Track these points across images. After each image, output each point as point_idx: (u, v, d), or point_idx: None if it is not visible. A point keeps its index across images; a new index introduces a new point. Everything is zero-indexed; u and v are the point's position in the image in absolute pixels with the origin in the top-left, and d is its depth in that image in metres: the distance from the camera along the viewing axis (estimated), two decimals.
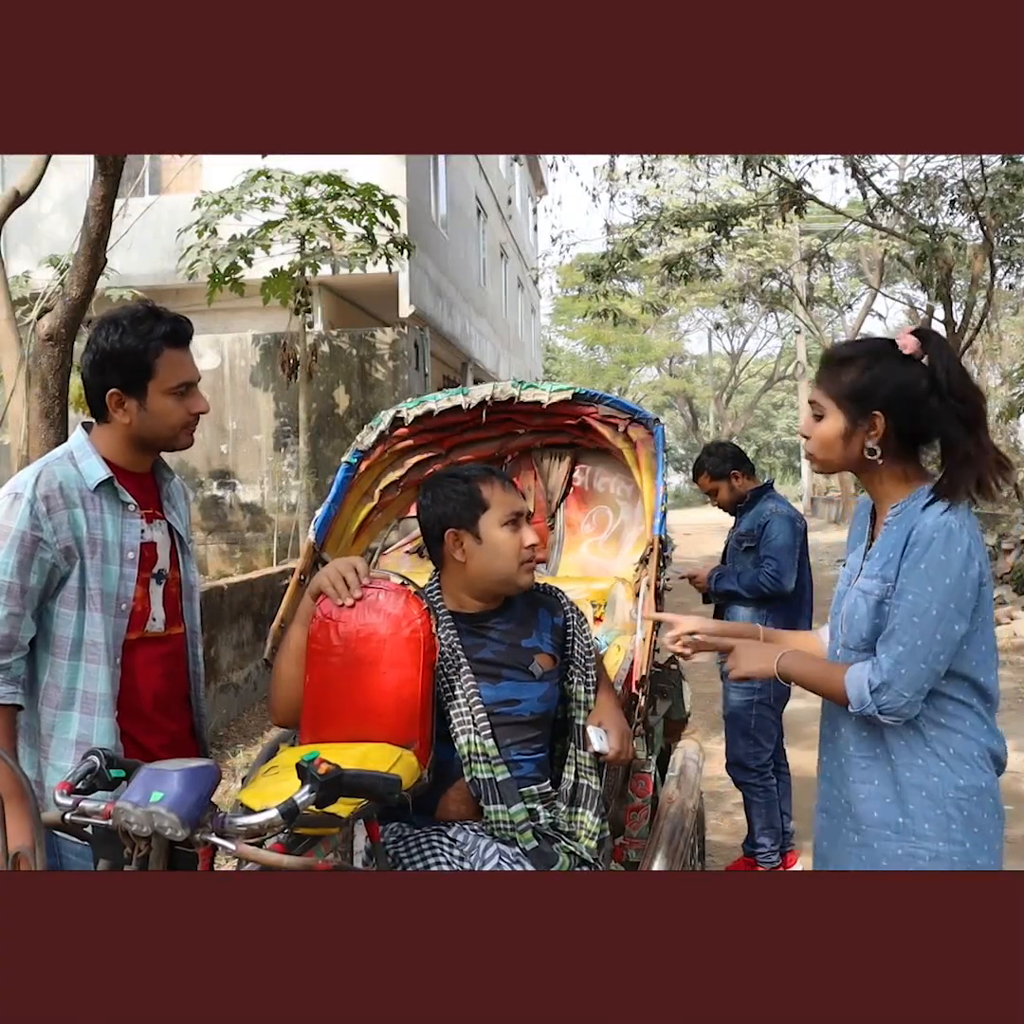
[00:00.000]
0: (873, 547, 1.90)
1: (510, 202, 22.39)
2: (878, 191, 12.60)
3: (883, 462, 1.86)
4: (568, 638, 2.24)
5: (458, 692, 2.07)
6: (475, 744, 2.04)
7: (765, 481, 4.41)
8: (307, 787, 1.51)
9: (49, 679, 2.05)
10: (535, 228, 28.97)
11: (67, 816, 1.55)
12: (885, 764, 1.84)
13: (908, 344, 1.82)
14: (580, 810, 2.12)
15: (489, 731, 2.05)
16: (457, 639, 2.11)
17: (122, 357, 2.07)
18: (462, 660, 2.09)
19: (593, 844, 2.09)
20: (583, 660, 2.23)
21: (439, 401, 2.92)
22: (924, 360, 1.82)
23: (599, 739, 2.14)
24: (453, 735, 2.05)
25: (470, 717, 2.05)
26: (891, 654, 1.77)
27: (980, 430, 1.82)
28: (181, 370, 2.11)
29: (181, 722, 2.24)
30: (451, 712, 2.06)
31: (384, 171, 11.33)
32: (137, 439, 2.14)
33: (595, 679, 2.24)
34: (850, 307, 28.17)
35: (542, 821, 2.06)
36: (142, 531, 2.14)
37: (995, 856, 1.82)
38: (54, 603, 2.04)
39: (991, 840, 1.82)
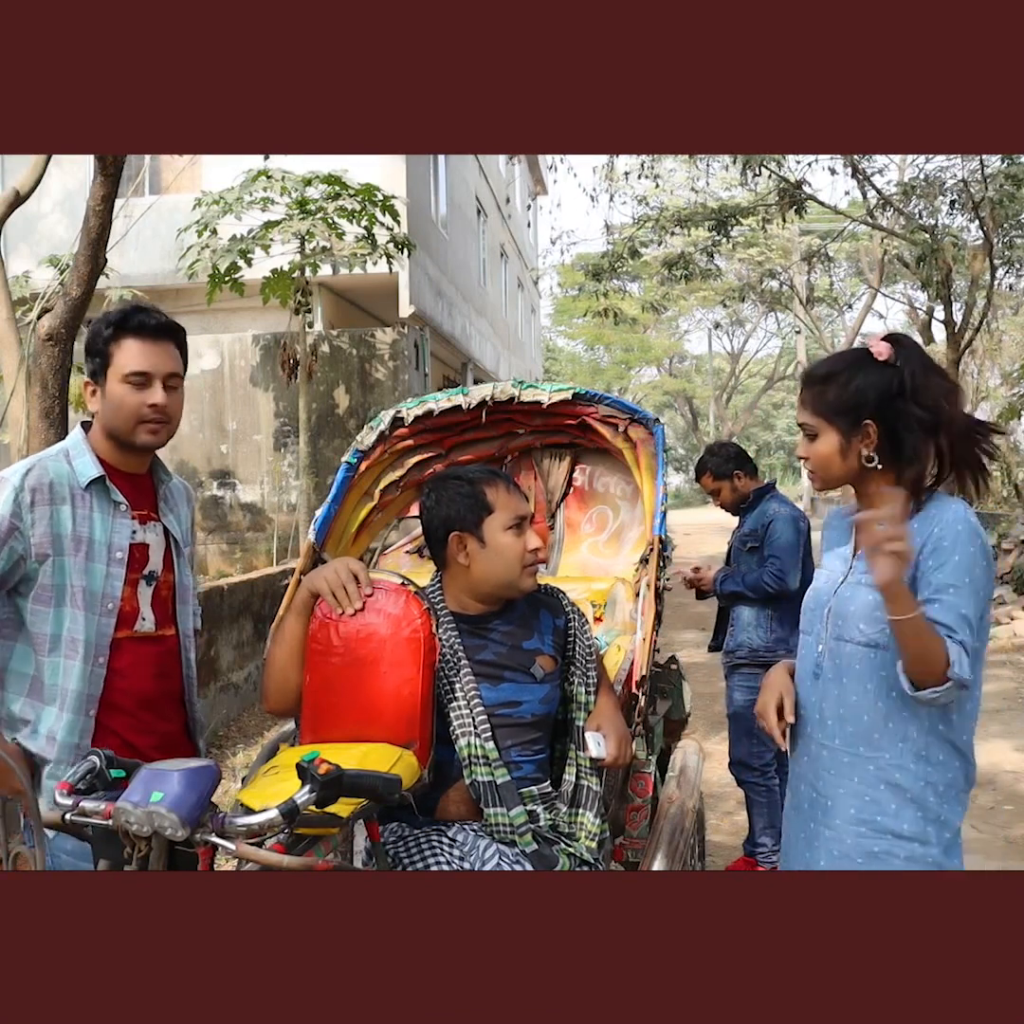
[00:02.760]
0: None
1: (508, 201, 22.37)
2: (878, 191, 12.60)
3: (881, 468, 1.88)
4: (569, 640, 2.23)
5: (459, 693, 2.06)
6: (475, 746, 2.03)
7: (767, 481, 4.42)
8: (307, 787, 1.51)
9: (35, 674, 2.07)
10: (530, 224, 28.93)
11: (67, 816, 1.55)
12: (868, 763, 1.85)
13: (882, 351, 1.88)
14: (580, 811, 2.11)
15: (490, 733, 2.05)
16: (458, 640, 2.11)
17: (90, 345, 2.14)
18: (463, 661, 2.09)
19: (593, 845, 2.08)
20: (584, 662, 2.22)
21: (439, 401, 2.92)
22: (897, 363, 1.87)
23: (597, 745, 2.13)
24: (453, 737, 2.04)
25: (471, 719, 2.05)
26: (964, 630, 1.74)
27: (942, 434, 1.85)
28: (137, 359, 2.11)
29: (174, 722, 2.23)
30: (451, 713, 2.06)
31: (384, 171, 11.33)
32: (107, 431, 2.15)
33: (596, 681, 2.23)
34: (850, 307, 28.17)
35: (542, 823, 2.05)
36: (134, 532, 2.14)
37: (960, 863, 1.87)
38: (27, 601, 2.05)
39: (959, 847, 1.87)
